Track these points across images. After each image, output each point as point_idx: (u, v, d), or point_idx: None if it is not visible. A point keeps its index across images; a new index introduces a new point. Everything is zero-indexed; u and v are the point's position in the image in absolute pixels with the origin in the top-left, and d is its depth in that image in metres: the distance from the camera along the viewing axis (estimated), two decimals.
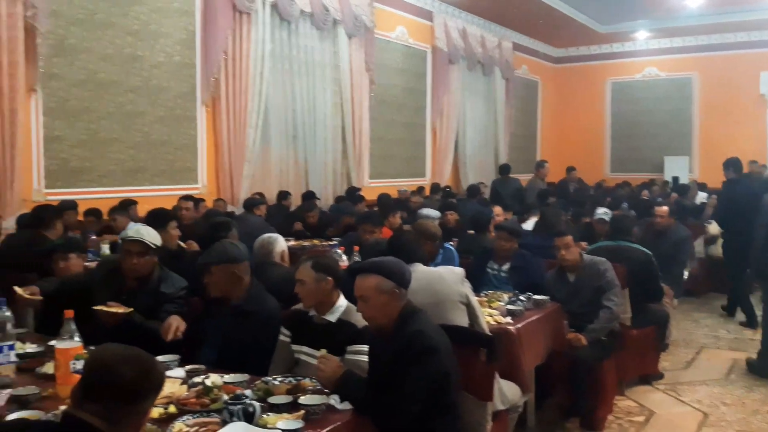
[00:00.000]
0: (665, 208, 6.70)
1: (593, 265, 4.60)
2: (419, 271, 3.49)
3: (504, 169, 11.35)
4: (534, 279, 4.60)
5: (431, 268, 3.56)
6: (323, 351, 2.74)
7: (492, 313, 3.89)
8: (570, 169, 12.15)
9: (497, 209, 7.64)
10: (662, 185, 12.80)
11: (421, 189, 10.67)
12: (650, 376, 5.22)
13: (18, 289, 3.39)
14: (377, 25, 10.33)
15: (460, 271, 3.51)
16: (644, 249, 5.36)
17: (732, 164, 7.18)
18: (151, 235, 3.50)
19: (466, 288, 3.43)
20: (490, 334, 3.34)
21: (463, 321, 3.33)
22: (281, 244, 4.43)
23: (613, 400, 4.63)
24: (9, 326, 2.86)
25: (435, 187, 10.65)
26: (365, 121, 10.26)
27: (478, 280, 4.64)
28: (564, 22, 13.61)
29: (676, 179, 13.99)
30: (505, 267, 4.81)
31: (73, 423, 1.77)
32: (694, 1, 12.64)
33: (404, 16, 11.33)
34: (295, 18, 8.98)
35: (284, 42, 8.99)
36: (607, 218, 6.23)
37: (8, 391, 2.61)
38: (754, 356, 5.55)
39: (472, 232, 6.20)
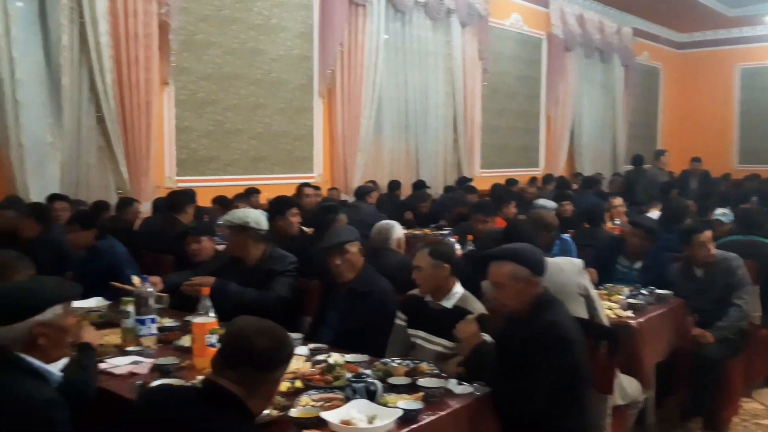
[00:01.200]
0: None
1: (724, 260, 4.33)
2: None
3: (637, 160, 10.87)
4: (667, 278, 4.36)
5: (549, 259, 3.51)
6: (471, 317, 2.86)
7: (612, 306, 3.79)
8: (695, 160, 11.51)
9: (617, 200, 7.33)
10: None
11: (533, 179, 10.48)
12: None
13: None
14: (491, 13, 10.21)
15: (579, 262, 3.45)
16: None
17: None
18: (237, 217, 3.72)
19: (585, 280, 3.37)
20: (610, 326, 3.27)
21: (581, 313, 3.28)
22: (398, 231, 4.46)
23: (739, 402, 4.40)
24: (151, 301, 3.10)
25: (547, 178, 10.43)
26: (477, 110, 10.20)
27: (601, 275, 4.47)
28: (689, 6, 12.90)
29: None
30: (637, 265, 4.54)
31: (213, 388, 1.92)
32: None
33: (519, 3, 11.13)
34: (409, 8, 9.04)
35: (398, 33, 9.08)
36: (725, 219, 5.82)
37: (151, 360, 2.84)
38: None
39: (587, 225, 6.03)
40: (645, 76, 14.82)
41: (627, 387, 3.34)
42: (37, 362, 2.07)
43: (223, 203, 6.62)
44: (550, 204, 6.23)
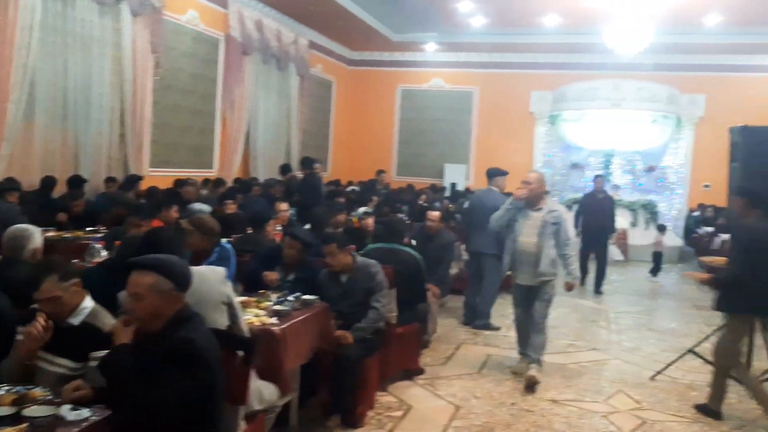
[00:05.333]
0: (437, 213, 7.10)
1: (365, 267, 4.72)
2: None
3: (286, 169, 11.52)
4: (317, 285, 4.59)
5: (192, 267, 3.42)
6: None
7: (258, 313, 3.84)
8: (380, 172, 12.79)
9: (283, 205, 7.51)
10: (434, 191, 13.54)
11: (207, 181, 10.32)
12: (412, 372, 5.50)
13: None
14: (166, 5, 9.79)
15: (221, 270, 3.42)
16: (413, 252, 5.66)
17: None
18: None
19: (228, 288, 3.35)
20: (248, 335, 3.29)
21: (222, 322, 3.25)
22: (36, 240, 3.98)
23: (375, 396, 4.79)
24: None
25: (219, 182, 10.34)
26: (147, 104, 9.65)
27: (258, 283, 4.54)
28: (359, 26, 13.92)
29: (453, 185, 15.00)
30: (291, 277, 4.67)
31: None
32: (478, 20, 13.65)
33: (197, 0, 10.87)
34: None
35: (57, 13, 8.18)
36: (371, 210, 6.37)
37: None
38: (506, 351, 6.12)
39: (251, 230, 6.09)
40: (319, 87, 15.66)
41: (264, 392, 3.40)
42: None
43: None
44: (206, 207, 6.14)
